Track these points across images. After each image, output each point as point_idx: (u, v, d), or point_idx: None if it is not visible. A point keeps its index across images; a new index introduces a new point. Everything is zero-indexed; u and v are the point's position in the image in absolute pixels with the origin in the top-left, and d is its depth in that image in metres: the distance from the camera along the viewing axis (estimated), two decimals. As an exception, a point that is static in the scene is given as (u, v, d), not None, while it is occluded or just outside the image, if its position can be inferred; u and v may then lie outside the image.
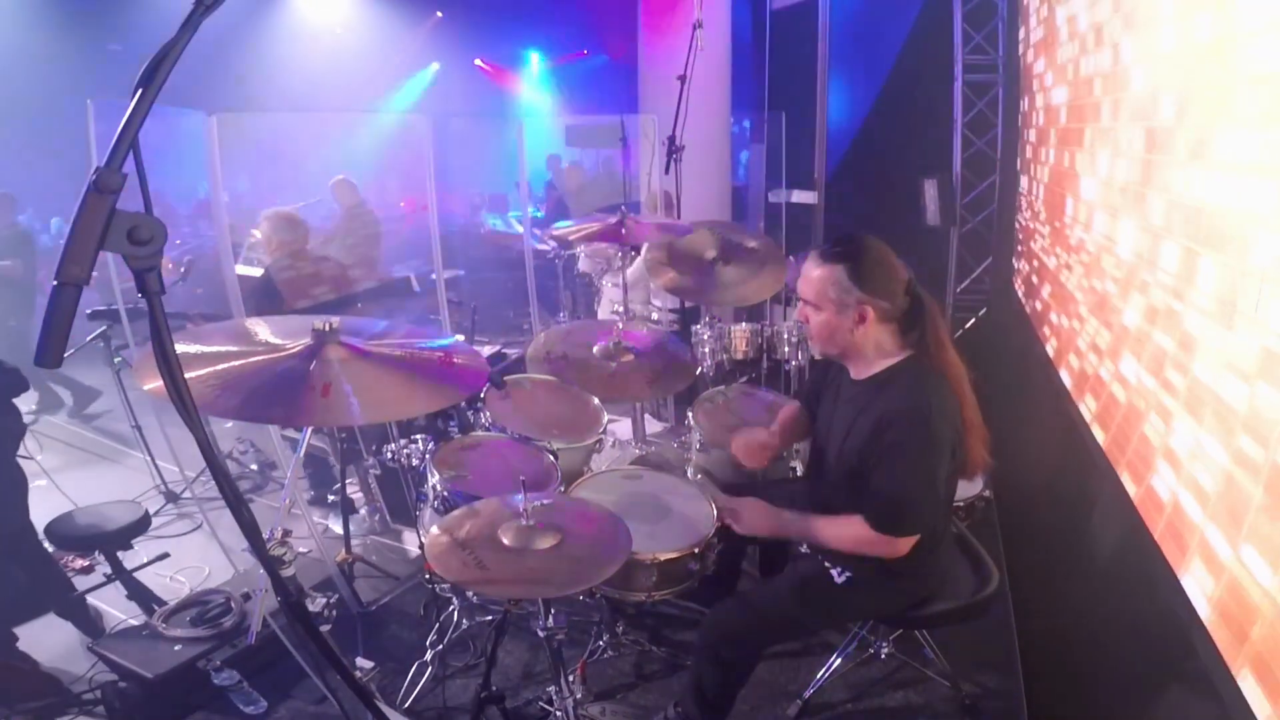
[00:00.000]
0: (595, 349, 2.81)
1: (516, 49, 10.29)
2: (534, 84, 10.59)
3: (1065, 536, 2.67)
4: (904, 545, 1.83)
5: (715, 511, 2.24)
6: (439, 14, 8.81)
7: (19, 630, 2.66)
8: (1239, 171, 1.59)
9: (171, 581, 3.15)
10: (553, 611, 1.94)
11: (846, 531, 1.89)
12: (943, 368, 1.85)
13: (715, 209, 6.21)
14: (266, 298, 3.72)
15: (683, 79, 3.17)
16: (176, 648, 2.41)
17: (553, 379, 2.83)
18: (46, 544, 2.78)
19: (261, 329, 1.54)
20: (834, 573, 1.98)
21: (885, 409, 1.80)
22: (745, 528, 2.07)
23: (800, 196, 6.73)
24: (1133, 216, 2.31)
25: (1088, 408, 2.60)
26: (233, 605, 2.55)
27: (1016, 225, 5.03)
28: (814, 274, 1.87)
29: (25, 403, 5.04)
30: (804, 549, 2.11)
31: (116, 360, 3.83)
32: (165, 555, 3.17)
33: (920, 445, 1.78)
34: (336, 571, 2.92)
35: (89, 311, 3.62)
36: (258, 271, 5.64)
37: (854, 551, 1.91)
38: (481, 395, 2.71)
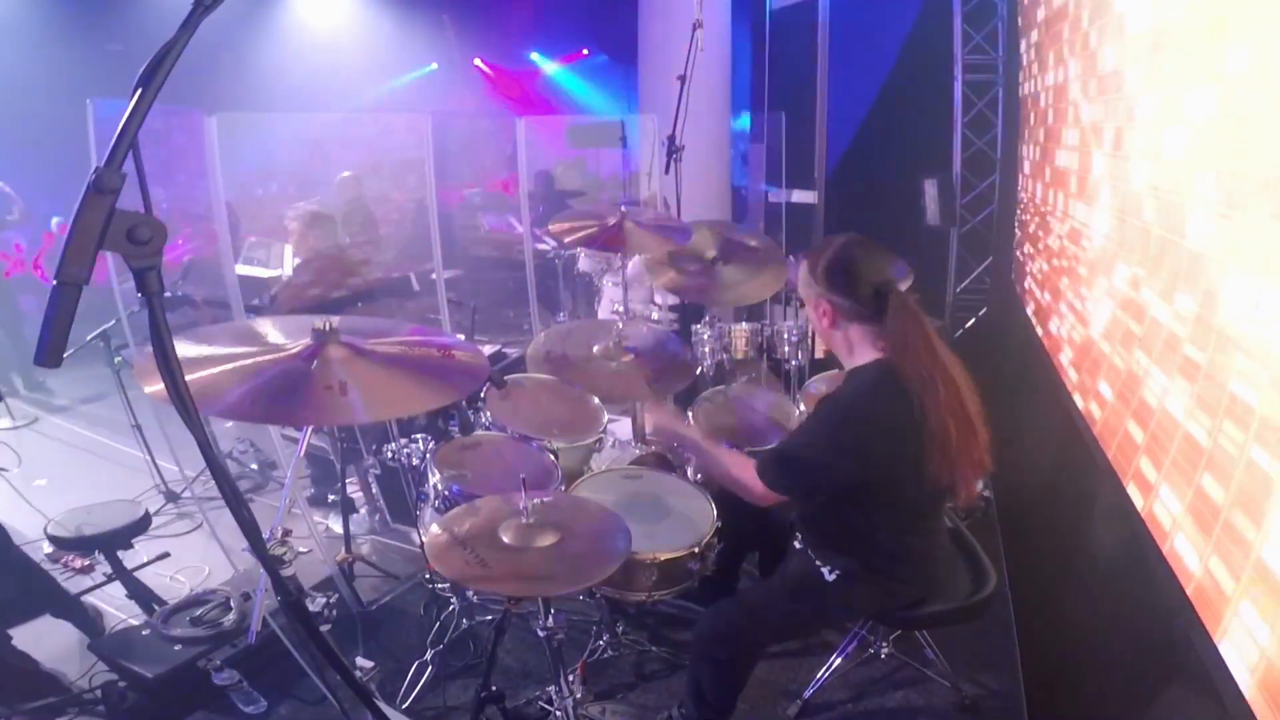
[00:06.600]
0: (595, 349, 2.81)
1: (516, 49, 10.26)
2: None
3: (1065, 536, 2.67)
4: (768, 498, 1.88)
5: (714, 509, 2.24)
6: (434, 65, 8.94)
7: (17, 631, 2.66)
8: (1245, 170, 1.59)
9: (171, 581, 3.15)
10: (553, 611, 1.94)
11: (734, 464, 1.96)
12: (920, 374, 1.73)
13: (715, 209, 6.21)
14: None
15: (683, 79, 3.16)
16: (176, 647, 2.41)
17: (553, 379, 2.83)
18: (46, 545, 2.77)
19: (262, 329, 1.54)
20: (824, 571, 1.98)
21: (826, 396, 1.92)
22: (649, 423, 2.16)
23: (800, 196, 6.73)
24: (1135, 216, 2.31)
25: (1088, 407, 2.60)
26: (233, 605, 2.55)
27: (1016, 225, 5.03)
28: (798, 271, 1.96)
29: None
30: (796, 545, 2.11)
31: (117, 360, 3.82)
32: (165, 555, 3.18)
33: (825, 424, 1.85)
34: (336, 571, 2.92)
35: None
36: (258, 271, 5.63)
37: (726, 481, 1.99)
38: (482, 394, 2.71)
